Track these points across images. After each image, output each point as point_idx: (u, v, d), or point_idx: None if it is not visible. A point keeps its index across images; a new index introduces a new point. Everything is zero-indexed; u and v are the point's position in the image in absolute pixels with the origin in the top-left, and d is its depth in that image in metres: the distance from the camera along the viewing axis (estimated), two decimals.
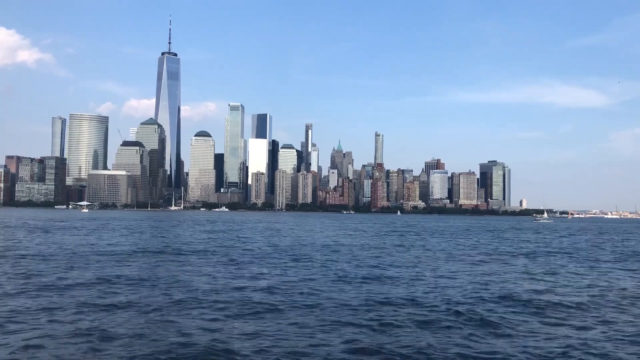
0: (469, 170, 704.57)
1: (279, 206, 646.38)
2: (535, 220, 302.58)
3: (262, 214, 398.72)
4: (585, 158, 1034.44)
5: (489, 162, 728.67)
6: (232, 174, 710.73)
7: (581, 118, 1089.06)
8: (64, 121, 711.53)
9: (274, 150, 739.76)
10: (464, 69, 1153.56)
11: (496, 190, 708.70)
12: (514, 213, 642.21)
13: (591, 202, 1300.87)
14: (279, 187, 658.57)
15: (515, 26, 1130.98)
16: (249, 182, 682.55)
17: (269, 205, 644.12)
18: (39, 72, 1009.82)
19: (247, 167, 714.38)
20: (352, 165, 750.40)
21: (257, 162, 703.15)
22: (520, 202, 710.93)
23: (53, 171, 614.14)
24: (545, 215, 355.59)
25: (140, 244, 65.10)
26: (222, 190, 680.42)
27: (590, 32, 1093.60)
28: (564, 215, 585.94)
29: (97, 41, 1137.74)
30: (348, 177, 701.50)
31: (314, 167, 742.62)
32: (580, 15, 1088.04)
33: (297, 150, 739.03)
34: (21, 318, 22.27)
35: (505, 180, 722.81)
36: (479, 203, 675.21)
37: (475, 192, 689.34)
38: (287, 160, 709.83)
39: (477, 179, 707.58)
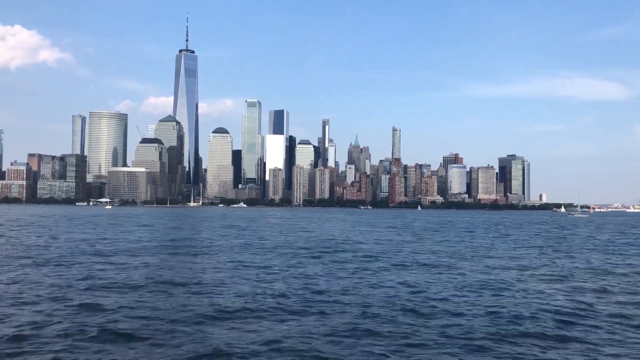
0: (488, 165, 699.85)
1: (296, 202, 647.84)
2: (569, 215, 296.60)
3: (281, 210, 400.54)
4: (606, 151, 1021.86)
5: (508, 156, 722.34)
6: (249, 170, 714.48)
7: (602, 111, 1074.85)
8: (84, 119, 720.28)
9: (291, 146, 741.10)
10: (481, 62, 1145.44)
11: (515, 184, 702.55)
12: (533, 207, 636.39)
13: (612, 196, 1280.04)
14: (297, 183, 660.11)
15: (533, 18, 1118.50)
16: (267, 178, 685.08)
17: (286, 201, 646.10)
18: (59, 71, 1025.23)
19: (264, 163, 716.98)
20: (370, 161, 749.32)
21: (275, 158, 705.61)
22: (540, 197, 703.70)
23: (74, 168, 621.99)
24: (563, 209, 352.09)
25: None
26: (240, 186, 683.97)
27: (611, 23, 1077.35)
28: (585, 209, 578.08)
29: (115, 40, 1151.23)
30: (365, 173, 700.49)
31: (331, 163, 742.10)
32: (601, 6, 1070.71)
33: (314, 146, 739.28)
34: None
35: (525, 175, 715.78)
36: (498, 197, 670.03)
37: (494, 187, 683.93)
38: (304, 156, 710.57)
39: (496, 173, 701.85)
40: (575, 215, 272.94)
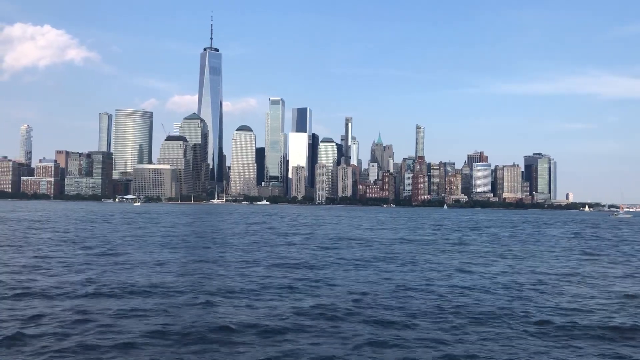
0: (513, 163, 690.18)
1: (319, 199, 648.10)
2: (612, 215, 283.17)
3: (304, 207, 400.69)
4: (633, 150, 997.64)
5: (533, 154, 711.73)
6: (272, 168, 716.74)
7: (629, 108, 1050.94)
8: (110, 117, 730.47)
9: (313, 144, 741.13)
10: (506, 60, 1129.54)
11: (541, 183, 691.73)
12: (559, 207, 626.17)
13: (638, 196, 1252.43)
14: (319, 181, 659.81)
15: (558, 15, 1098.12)
16: (290, 175, 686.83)
17: (309, 199, 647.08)
18: (86, 70, 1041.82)
19: (287, 161, 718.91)
20: (393, 159, 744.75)
21: (297, 155, 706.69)
22: (567, 196, 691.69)
23: (100, 165, 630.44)
24: (587, 209, 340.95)
25: None
26: (263, 183, 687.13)
27: (637, 20, 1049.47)
28: (613, 209, 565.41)
29: (141, 38, 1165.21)
30: (388, 171, 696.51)
31: (353, 161, 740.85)
32: (627, 2, 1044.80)
33: (336, 144, 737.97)
34: None
35: (551, 173, 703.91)
36: (523, 196, 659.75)
37: (520, 186, 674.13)
38: (327, 154, 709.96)
39: (522, 171, 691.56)
40: (619, 216, 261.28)
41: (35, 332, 18.42)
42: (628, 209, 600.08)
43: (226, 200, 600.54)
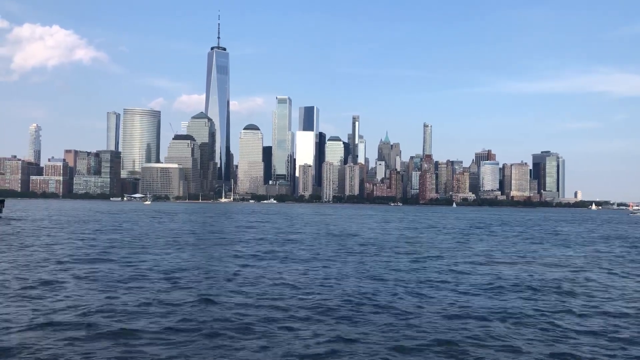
0: (521, 161, 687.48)
1: (326, 198, 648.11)
2: (631, 214, 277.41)
3: (311, 206, 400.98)
4: None
5: (542, 152, 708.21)
6: (280, 167, 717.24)
7: (637, 106, 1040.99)
8: (118, 116, 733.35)
9: (321, 143, 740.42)
10: (513, 59, 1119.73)
11: (550, 181, 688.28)
12: (568, 205, 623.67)
13: None
14: (326, 179, 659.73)
15: (566, 13, 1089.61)
16: (297, 174, 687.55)
17: (316, 197, 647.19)
18: (94, 69, 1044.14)
19: (294, 160, 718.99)
20: (400, 157, 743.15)
21: (305, 154, 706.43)
22: (575, 194, 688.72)
23: (108, 164, 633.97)
24: (594, 207, 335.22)
25: None
26: (270, 182, 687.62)
27: None
28: (622, 207, 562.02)
29: (148, 38, 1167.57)
30: (396, 169, 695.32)
31: (361, 159, 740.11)
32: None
33: (344, 143, 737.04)
34: None
35: (559, 171, 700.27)
36: (531, 195, 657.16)
37: (528, 184, 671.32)
38: (334, 153, 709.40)
39: (530, 170, 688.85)
40: (638, 214, 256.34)
41: None
42: (637, 207, 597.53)
43: (234, 199, 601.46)
